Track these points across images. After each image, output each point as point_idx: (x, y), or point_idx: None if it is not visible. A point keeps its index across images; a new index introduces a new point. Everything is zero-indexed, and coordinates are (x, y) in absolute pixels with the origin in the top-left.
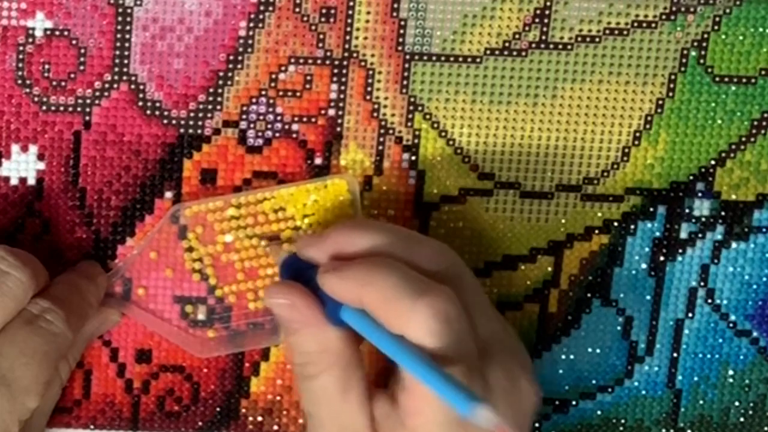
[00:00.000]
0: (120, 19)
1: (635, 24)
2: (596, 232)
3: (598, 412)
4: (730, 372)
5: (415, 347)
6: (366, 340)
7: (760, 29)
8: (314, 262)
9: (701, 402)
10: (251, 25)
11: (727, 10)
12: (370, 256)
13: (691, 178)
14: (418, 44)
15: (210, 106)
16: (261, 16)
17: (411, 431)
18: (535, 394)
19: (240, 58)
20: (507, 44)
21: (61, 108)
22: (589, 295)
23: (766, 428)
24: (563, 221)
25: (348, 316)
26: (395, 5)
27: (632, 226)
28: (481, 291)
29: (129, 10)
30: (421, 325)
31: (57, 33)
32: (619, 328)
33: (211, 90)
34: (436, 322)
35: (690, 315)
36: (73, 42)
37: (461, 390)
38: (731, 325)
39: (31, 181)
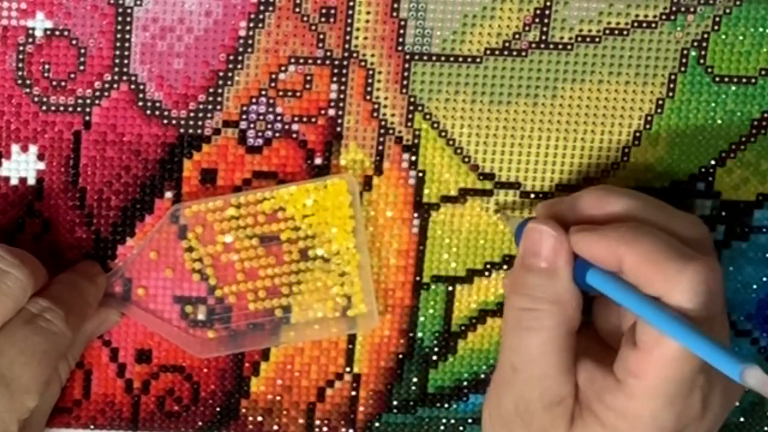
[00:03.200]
0: (120, 19)
1: (635, 24)
2: None
3: None
4: None
5: (673, 310)
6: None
7: (760, 29)
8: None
9: None
10: (251, 25)
11: (727, 10)
12: (623, 221)
13: (691, 178)
14: (418, 44)
15: (210, 106)
16: (261, 16)
17: (628, 394)
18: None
19: (240, 58)
20: (507, 44)
21: (61, 108)
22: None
23: (766, 428)
24: None
25: (595, 277)
26: (395, 5)
27: None
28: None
29: (129, 10)
30: (689, 289)
31: (57, 33)
32: None
33: (211, 90)
34: (704, 289)
35: None
36: (73, 42)
37: (730, 352)
38: (731, 325)
39: (31, 181)
